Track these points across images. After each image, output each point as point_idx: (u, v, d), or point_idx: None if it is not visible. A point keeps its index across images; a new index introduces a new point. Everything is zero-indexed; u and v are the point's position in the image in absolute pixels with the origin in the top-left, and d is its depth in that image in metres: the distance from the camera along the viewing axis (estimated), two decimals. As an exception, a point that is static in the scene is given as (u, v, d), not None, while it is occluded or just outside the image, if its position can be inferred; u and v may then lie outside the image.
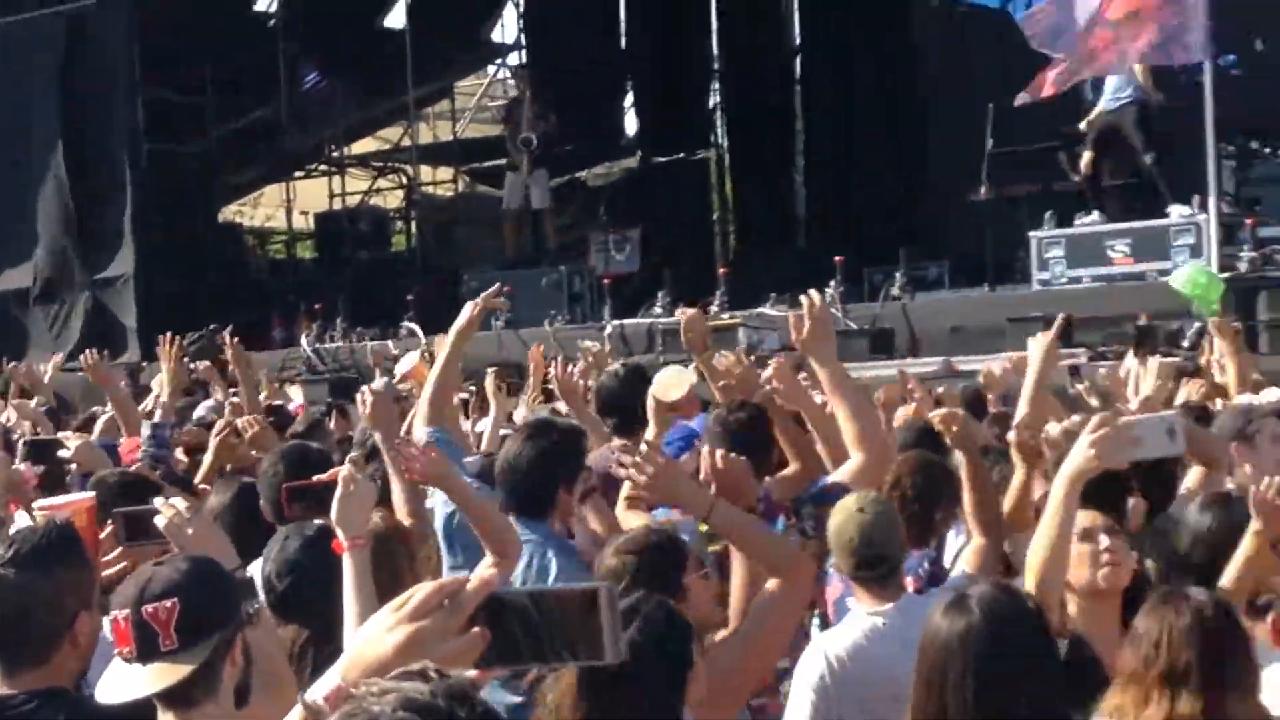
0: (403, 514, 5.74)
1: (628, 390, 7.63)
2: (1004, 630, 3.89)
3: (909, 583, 5.46)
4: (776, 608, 4.58)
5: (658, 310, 17.57)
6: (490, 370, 10.29)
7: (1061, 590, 4.56)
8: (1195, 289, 8.91)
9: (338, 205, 26.27)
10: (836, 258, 16.80)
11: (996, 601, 3.94)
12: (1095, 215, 15.87)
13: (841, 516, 5.25)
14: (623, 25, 25.92)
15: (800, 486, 5.86)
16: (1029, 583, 4.43)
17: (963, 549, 6.00)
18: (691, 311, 7.28)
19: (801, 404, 6.27)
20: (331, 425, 11.33)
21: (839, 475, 5.84)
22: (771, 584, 4.58)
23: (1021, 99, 13.36)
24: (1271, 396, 7.27)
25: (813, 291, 5.98)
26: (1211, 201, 12.86)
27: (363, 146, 28.38)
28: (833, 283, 16.40)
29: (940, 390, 9.79)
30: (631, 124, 26.66)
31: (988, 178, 17.49)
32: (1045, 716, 3.90)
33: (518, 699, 4.62)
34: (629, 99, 26.56)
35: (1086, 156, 15.89)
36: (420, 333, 18.20)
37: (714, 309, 16.92)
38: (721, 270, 18.92)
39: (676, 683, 3.94)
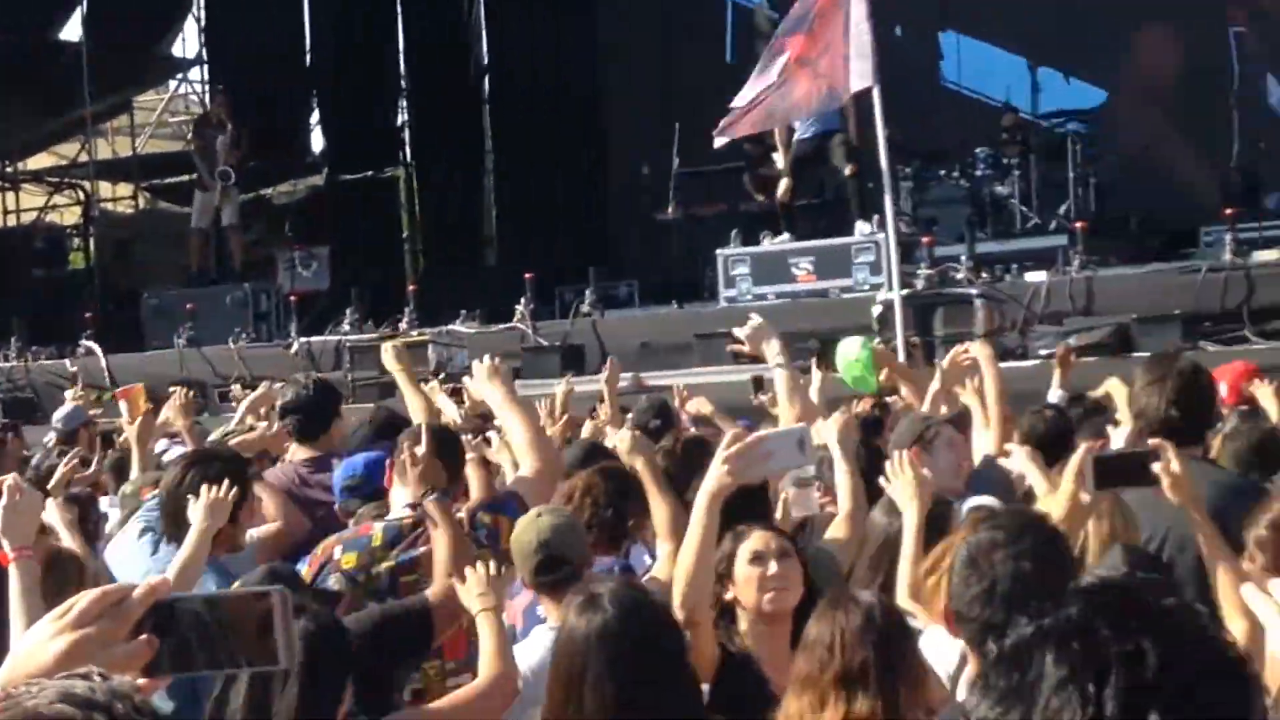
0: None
1: (313, 401, 7.60)
2: (637, 625, 3.92)
3: (600, 588, 5.46)
4: (481, 701, 4.71)
5: (346, 328, 17.37)
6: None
7: (707, 605, 4.62)
8: (854, 374, 9.00)
9: (12, 222, 25.38)
10: (526, 275, 16.82)
11: (628, 597, 3.98)
12: (786, 236, 16.14)
13: (522, 525, 5.28)
14: (307, 41, 25.57)
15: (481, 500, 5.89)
16: (675, 600, 4.48)
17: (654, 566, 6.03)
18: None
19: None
20: (7, 445, 10.97)
21: (510, 483, 5.91)
22: (482, 679, 4.72)
23: (720, 139, 13.47)
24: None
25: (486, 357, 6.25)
26: (889, 220, 13.18)
27: (38, 162, 27.47)
28: (523, 300, 16.46)
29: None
30: (318, 141, 26.32)
31: (675, 197, 17.73)
32: (682, 714, 3.92)
33: (170, 705, 4.56)
34: (315, 116, 26.22)
35: (785, 184, 16.09)
36: (99, 351, 17.71)
37: (403, 326, 16.83)
38: (411, 288, 18.79)
39: (337, 679, 3.99)
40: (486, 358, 6.32)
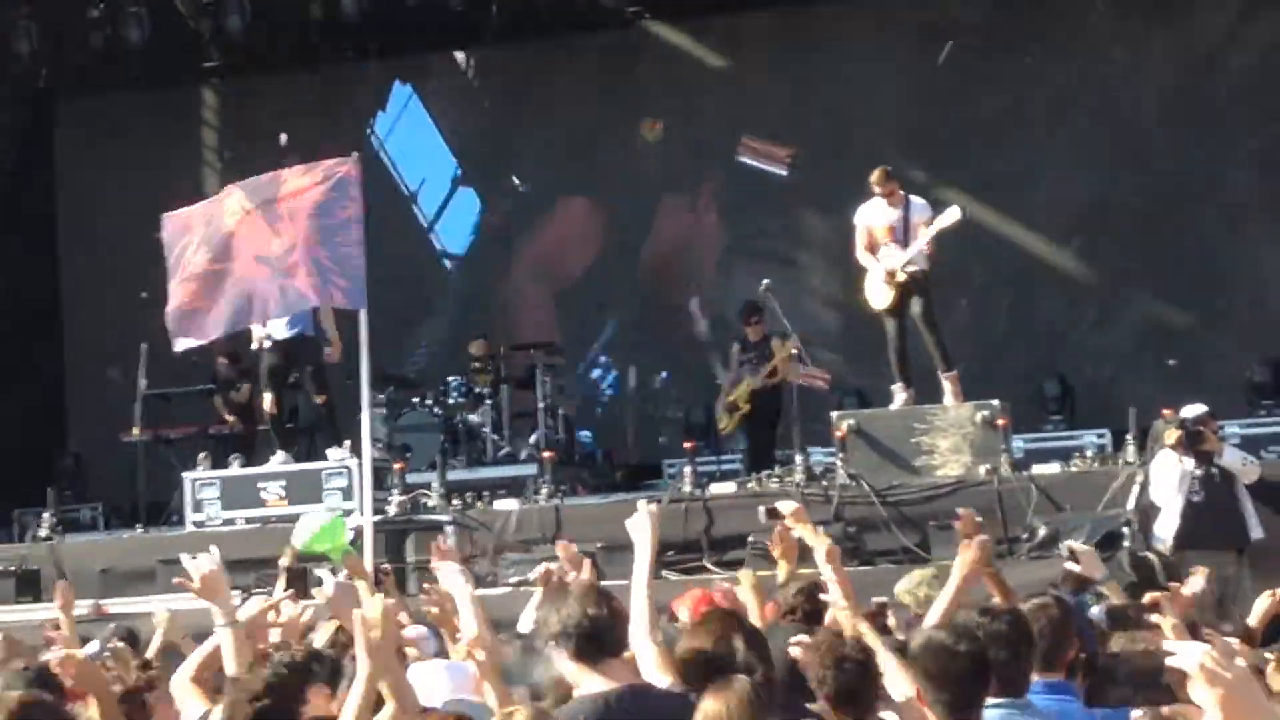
0: None
1: None
2: None
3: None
4: None
5: None
6: None
7: None
8: (320, 542, 8.89)
9: None
10: (-20, 496, 16.21)
11: None
12: (282, 455, 15.95)
13: None
14: None
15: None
16: None
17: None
18: None
19: None
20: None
21: None
22: None
23: (184, 344, 12.99)
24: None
25: None
26: (365, 446, 13.19)
27: None
28: (-25, 523, 15.85)
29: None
30: None
31: (142, 418, 17.34)
32: None
33: None
34: None
35: (269, 398, 15.94)
36: None
37: None
38: None
39: None
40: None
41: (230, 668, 6.03)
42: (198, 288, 12.55)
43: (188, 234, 12.67)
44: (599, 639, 5.32)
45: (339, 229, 12.40)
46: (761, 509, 11.24)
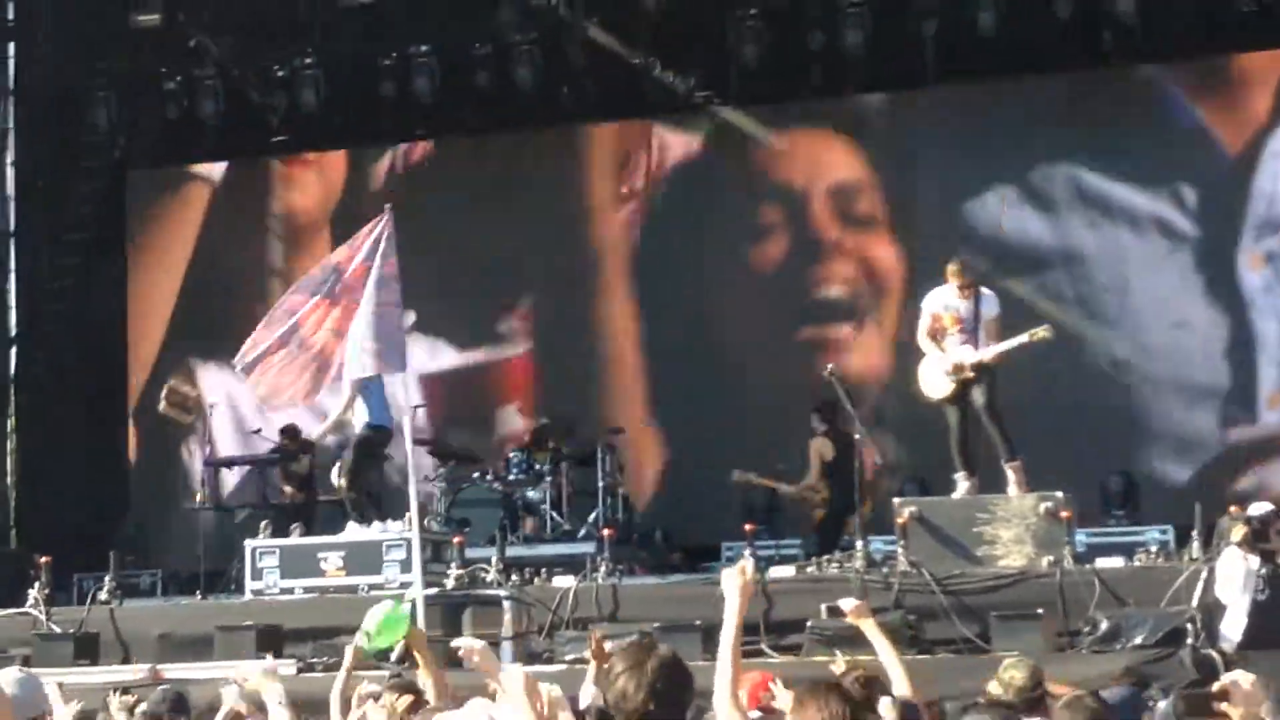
0: None
1: None
2: None
3: None
4: None
5: None
6: None
7: None
8: (383, 638, 8.87)
9: None
10: (42, 559, 16.23)
11: None
12: (353, 526, 15.92)
13: None
14: None
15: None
16: None
17: None
18: None
19: None
20: None
21: None
22: None
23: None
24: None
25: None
26: (414, 518, 13.18)
27: None
28: (37, 585, 15.85)
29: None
30: None
31: (204, 486, 17.48)
32: None
33: None
34: None
35: (339, 470, 16.00)
36: None
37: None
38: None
39: None
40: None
41: None
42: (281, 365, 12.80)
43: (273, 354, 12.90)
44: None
45: (380, 286, 12.43)
46: (823, 607, 11.18)
